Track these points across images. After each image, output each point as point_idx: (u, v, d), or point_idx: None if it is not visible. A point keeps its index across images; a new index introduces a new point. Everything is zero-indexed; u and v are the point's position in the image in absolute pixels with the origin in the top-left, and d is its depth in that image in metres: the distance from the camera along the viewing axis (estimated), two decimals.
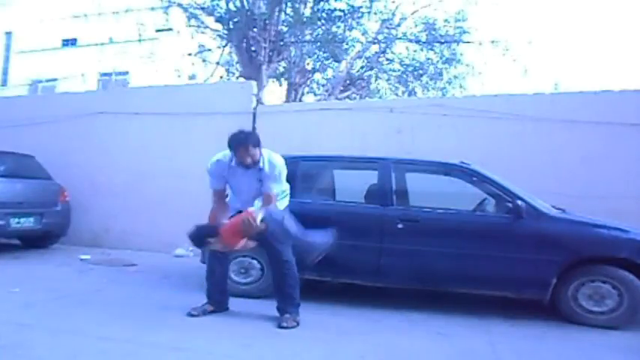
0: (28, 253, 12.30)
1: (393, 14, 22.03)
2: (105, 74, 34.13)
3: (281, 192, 7.29)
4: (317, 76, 24.23)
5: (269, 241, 7.05)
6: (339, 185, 9.08)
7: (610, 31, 60.09)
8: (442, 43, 22.22)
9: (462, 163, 8.47)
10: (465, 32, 22.16)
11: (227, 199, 7.42)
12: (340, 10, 20.44)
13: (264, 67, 17.92)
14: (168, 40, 25.92)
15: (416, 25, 22.56)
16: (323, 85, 24.23)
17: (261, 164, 6.96)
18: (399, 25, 22.46)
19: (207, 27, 19.98)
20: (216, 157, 7.19)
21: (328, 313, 7.69)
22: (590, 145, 10.93)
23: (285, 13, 19.42)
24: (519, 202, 7.65)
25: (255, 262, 8.40)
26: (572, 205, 9.03)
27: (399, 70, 23.75)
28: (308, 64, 22.60)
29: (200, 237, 6.87)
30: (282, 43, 18.89)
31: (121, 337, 6.17)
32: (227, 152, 7.08)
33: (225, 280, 7.51)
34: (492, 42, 20.46)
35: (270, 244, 7.09)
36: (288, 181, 7.42)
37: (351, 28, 22.02)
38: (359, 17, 21.49)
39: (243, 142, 6.84)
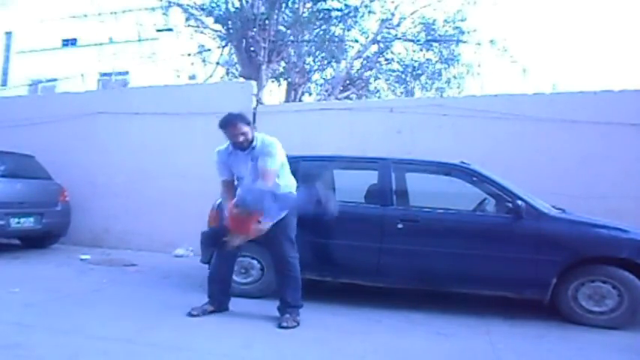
0: (28, 253, 12.28)
1: (392, 14, 22.06)
2: (105, 74, 34.11)
3: (283, 177, 7.23)
4: (316, 76, 24.29)
5: (273, 241, 7.06)
6: (339, 185, 9.03)
7: (609, 31, 60.13)
8: (441, 43, 22.23)
9: (462, 163, 8.48)
10: (463, 32, 22.14)
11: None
12: (339, 10, 20.48)
13: (263, 67, 17.96)
14: (167, 40, 25.87)
15: (415, 26, 22.58)
16: (322, 85, 24.24)
17: (254, 144, 6.96)
18: (398, 25, 22.49)
19: (206, 27, 20.05)
20: (217, 148, 7.22)
21: (328, 312, 7.69)
22: (589, 145, 10.94)
23: (284, 14, 19.45)
24: (519, 202, 7.65)
25: (255, 262, 8.40)
26: (572, 205, 9.06)
27: (398, 70, 23.76)
28: (307, 64, 22.59)
29: (214, 240, 6.85)
30: (281, 43, 18.92)
31: (122, 336, 6.18)
32: (227, 143, 7.13)
33: (230, 280, 7.49)
34: (491, 42, 20.50)
35: (275, 244, 7.11)
36: None
37: (349, 28, 22.11)
38: (358, 17, 21.53)
39: (231, 121, 6.88)
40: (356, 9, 20.92)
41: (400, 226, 7.97)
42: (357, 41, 22.49)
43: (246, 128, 6.88)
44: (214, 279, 7.41)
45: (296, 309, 7.12)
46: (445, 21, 22.26)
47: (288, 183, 7.27)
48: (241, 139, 6.88)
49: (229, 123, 6.89)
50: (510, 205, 7.76)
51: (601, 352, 6.42)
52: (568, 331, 7.20)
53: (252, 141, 6.96)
